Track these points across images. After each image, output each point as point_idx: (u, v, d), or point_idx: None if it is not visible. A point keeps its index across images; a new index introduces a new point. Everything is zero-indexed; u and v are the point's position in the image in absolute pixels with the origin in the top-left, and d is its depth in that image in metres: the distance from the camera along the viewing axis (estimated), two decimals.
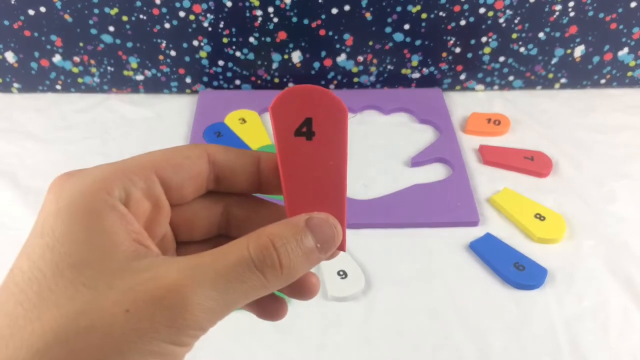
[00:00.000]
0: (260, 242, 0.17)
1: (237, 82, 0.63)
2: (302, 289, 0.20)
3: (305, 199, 0.19)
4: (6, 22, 0.57)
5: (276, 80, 0.63)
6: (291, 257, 0.17)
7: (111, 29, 0.58)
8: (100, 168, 0.18)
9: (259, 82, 0.63)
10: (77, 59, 0.61)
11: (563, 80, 0.64)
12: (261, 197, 0.21)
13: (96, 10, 0.56)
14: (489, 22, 0.58)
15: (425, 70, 0.63)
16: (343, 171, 0.19)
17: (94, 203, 0.16)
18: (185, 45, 0.59)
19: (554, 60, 0.61)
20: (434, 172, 0.55)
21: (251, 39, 0.59)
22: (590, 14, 0.57)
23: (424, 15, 0.57)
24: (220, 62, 0.61)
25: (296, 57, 0.61)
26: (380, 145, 0.58)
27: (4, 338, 0.14)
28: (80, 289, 0.15)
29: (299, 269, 0.17)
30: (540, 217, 0.49)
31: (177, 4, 0.56)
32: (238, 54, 0.60)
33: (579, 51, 0.61)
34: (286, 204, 0.20)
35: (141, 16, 0.57)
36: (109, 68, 0.61)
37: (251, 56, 0.61)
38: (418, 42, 0.60)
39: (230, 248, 0.17)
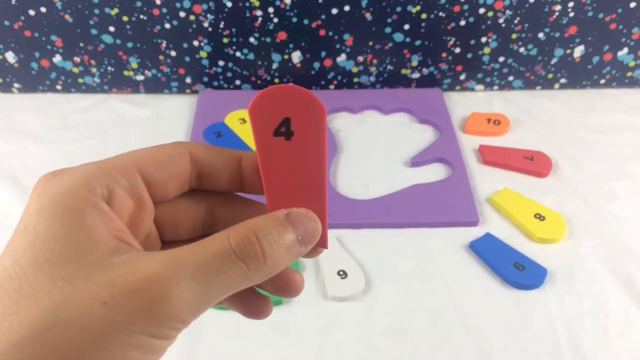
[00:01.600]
0: (241, 233, 0.17)
1: (237, 82, 0.63)
2: (287, 286, 0.20)
3: (286, 196, 0.20)
4: (7, 23, 0.57)
5: (276, 80, 0.63)
6: (274, 247, 0.17)
7: (111, 29, 0.58)
8: (84, 167, 0.18)
9: (259, 82, 0.63)
10: (77, 59, 0.61)
11: (563, 81, 0.64)
12: (246, 196, 0.21)
13: (96, 11, 0.56)
14: (489, 22, 0.58)
15: (425, 71, 0.63)
16: (322, 169, 0.19)
17: (75, 201, 0.16)
18: (185, 45, 0.59)
19: (554, 61, 0.62)
20: (434, 172, 0.55)
21: (251, 39, 0.59)
22: (590, 14, 0.57)
23: (423, 16, 0.57)
24: (221, 62, 0.61)
25: (296, 57, 0.61)
26: (380, 145, 0.58)
27: None
28: (59, 283, 0.15)
29: (281, 260, 0.17)
30: (540, 217, 0.49)
31: (178, 4, 0.56)
32: (238, 54, 0.60)
33: (578, 51, 0.61)
34: (267, 202, 0.20)
35: (141, 16, 0.57)
36: (109, 68, 0.61)
37: (251, 56, 0.61)
38: (418, 42, 0.60)
39: (211, 240, 0.17)
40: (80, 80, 0.63)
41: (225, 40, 0.59)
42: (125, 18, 0.57)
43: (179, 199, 0.20)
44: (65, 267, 0.15)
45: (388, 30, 0.59)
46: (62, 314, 0.15)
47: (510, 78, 0.63)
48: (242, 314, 0.21)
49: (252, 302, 0.20)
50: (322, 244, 0.21)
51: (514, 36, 0.59)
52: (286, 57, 0.61)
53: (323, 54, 0.61)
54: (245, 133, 0.58)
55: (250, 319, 0.21)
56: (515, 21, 0.58)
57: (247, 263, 0.16)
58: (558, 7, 0.57)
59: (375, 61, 0.62)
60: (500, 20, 0.58)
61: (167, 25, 0.58)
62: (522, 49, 0.60)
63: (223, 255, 0.16)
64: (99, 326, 0.14)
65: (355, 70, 0.62)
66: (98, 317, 0.15)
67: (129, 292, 0.15)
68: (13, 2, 0.55)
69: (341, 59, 0.61)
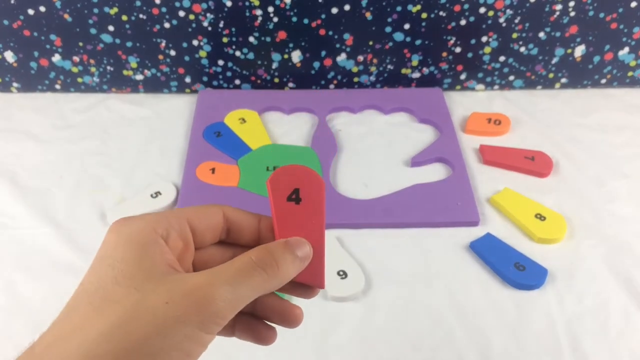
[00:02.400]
0: (260, 251, 0.23)
1: (237, 81, 0.63)
2: (290, 317, 0.26)
3: None
4: (6, 22, 0.57)
5: (276, 80, 0.63)
6: (283, 260, 0.23)
7: (111, 28, 0.58)
8: (150, 215, 0.24)
9: (258, 81, 0.63)
10: (76, 58, 0.60)
11: (563, 80, 0.64)
12: None
13: (96, 10, 0.56)
14: (489, 21, 0.58)
15: (425, 70, 0.62)
16: (322, 227, 0.25)
17: (143, 238, 0.22)
18: (185, 44, 0.59)
19: (555, 60, 0.61)
20: (434, 172, 0.54)
21: (251, 39, 0.59)
22: (591, 13, 0.57)
23: (424, 15, 0.57)
24: (220, 62, 0.61)
25: (296, 56, 0.61)
26: (380, 145, 0.58)
27: (79, 328, 0.20)
28: (133, 292, 0.21)
29: (289, 269, 0.24)
30: (540, 217, 0.49)
31: (177, 4, 0.56)
32: (238, 53, 0.60)
33: (579, 51, 0.61)
34: None
35: (141, 16, 0.57)
36: (108, 68, 0.61)
37: (251, 56, 0.61)
38: (418, 42, 0.60)
39: (239, 258, 0.23)
40: (80, 80, 0.63)
41: (224, 39, 0.59)
42: (124, 17, 0.57)
43: (212, 247, 0.26)
44: (137, 282, 0.21)
45: (388, 29, 0.58)
46: (136, 312, 0.20)
47: (511, 78, 0.63)
48: (254, 342, 0.27)
49: (262, 332, 0.26)
50: (319, 284, 0.26)
51: (514, 36, 0.59)
52: (286, 56, 0.61)
53: (323, 53, 0.60)
54: (245, 132, 0.58)
55: (260, 345, 0.27)
56: (516, 20, 0.58)
57: (266, 270, 0.23)
58: (559, 7, 0.57)
59: (375, 61, 0.61)
60: (501, 20, 0.58)
61: (167, 25, 0.58)
62: (522, 49, 0.60)
63: (248, 267, 0.22)
64: (162, 319, 0.20)
65: (355, 69, 0.62)
66: (162, 313, 0.20)
67: (184, 296, 0.21)
68: (12, 2, 0.55)
69: (341, 58, 0.61)
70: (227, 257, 0.25)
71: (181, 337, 0.20)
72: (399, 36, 0.59)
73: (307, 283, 0.26)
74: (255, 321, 0.26)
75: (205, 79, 0.63)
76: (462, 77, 0.63)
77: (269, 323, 0.26)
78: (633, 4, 0.56)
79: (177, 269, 0.23)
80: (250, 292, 0.22)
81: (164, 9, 0.56)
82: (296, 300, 0.43)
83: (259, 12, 0.57)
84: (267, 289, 0.23)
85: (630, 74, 0.63)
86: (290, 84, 0.64)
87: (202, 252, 0.25)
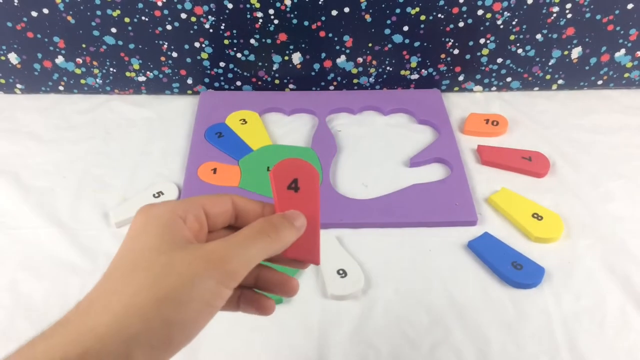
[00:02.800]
0: (264, 221, 0.28)
1: (238, 83, 0.64)
2: (286, 287, 0.30)
3: None
4: (9, 24, 0.58)
5: (277, 81, 0.64)
6: (282, 227, 0.28)
7: (113, 30, 0.58)
8: (172, 201, 0.28)
9: (259, 83, 0.64)
10: (79, 60, 0.61)
11: (560, 82, 0.64)
12: None
13: (98, 12, 0.57)
14: (487, 23, 0.58)
15: (424, 72, 0.63)
16: (317, 210, 0.30)
17: (167, 219, 0.26)
18: (186, 46, 0.60)
19: (552, 62, 0.62)
20: (433, 172, 0.55)
21: (252, 41, 0.59)
22: (588, 15, 0.58)
23: (422, 17, 0.58)
24: (222, 64, 0.62)
25: (296, 58, 0.61)
26: (379, 146, 0.58)
27: (117, 288, 0.24)
28: (160, 258, 0.25)
29: (287, 236, 0.28)
30: (537, 216, 0.49)
31: (179, 6, 0.56)
32: (239, 55, 0.61)
33: (576, 52, 0.61)
34: None
35: (143, 18, 0.57)
36: (111, 69, 0.62)
37: (252, 57, 0.61)
38: (417, 44, 0.60)
39: (246, 228, 0.27)
40: (83, 81, 0.63)
41: (226, 41, 0.59)
42: (127, 19, 0.57)
43: (222, 230, 0.29)
44: (162, 250, 0.25)
45: (387, 31, 0.59)
46: (164, 272, 0.24)
47: (509, 79, 0.64)
48: (256, 313, 0.30)
49: (263, 303, 0.30)
50: (315, 260, 0.30)
51: (512, 37, 0.60)
52: (286, 58, 0.61)
53: (323, 55, 0.61)
54: (246, 133, 0.58)
55: (260, 316, 0.30)
56: (514, 23, 0.58)
57: (269, 235, 0.27)
58: (556, 9, 0.57)
59: (374, 62, 0.62)
60: (499, 22, 0.58)
61: (169, 27, 0.58)
62: (520, 50, 0.61)
63: (255, 233, 0.27)
64: (187, 276, 0.24)
65: (354, 71, 0.63)
66: (186, 271, 0.24)
67: (203, 258, 0.25)
68: (16, 4, 0.56)
69: (341, 60, 0.62)
70: None
71: (203, 290, 0.24)
72: (397, 38, 0.60)
73: (305, 260, 0.30)
74: (257, 295, 0.30)
75: (206, 80, 0.63)
76: (460, 78, 0.64)
77: (268, 296, 0.30)
78: (629, 6, 0.57)
79: (194, 242, 0.27)
80: (258, 253, 0.26)
81: (166, 12, 0.57)
82: (296, 301, 0.44)
83: (259, 14, 0.57)
84: (271, 252, 0.27)
85: (626, 75, 0.63)
86: (291, 86, 0.64)
87: (213, 234, 0.29)
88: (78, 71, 0.62)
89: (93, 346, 0.22)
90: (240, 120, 0.60)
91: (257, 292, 0.30)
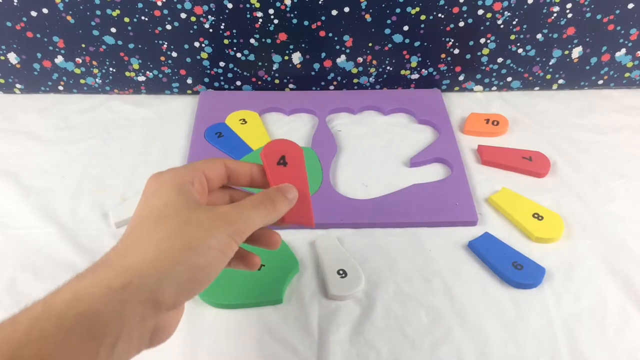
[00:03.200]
0: (262, 194, 0.32)
1: (238, 83, 0.64)
2: (271, 241, 0.35)
3: None
4: (9, 24, 0.57)
5: (276, 81, 0.63)
6: (277, 198, 0.33)
7: (113, 30, 0.58)
8: (179, 168, 0.32)
9: (259, 83, 0.64)
10: (79, 60, 0.61)
11: (561, 81, 0.64)
12: (251, 191, 0.35)
13: (98, 12, 0.57)
14: (488, 23, 0.58)
15: (424, 71, 0.63)
16: (305, 180, 0.35)
17: (178, 182, 0.31)
18: (186, 46, 0.60)
19: (552, 61, 0.62)
20: (433, 172, 0.55)
21: (252, 41, 0.59)
22: (588, 15, 0.58)
23: (423, 17, 0.58)
24: (221, 63, 0.62)
25: (296, 58, 0.61)
26: (379, 146, 0.58)
27: (144, 237, 0.28)
28: (181, 211, 0.29)
29: (282, 205, 0.33)
30: (538, 216, 0.49)
31: (179, 6, 0.56)
32: (239, 55, 0.61)
33: (576, 52, 0.61)
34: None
35: (143, 18, 0.57)
36: (110, 69, 0.62)
37: (252, 57, 0.61)
38: (417, 44, 0.60)
39: (250, 198, 0.32)
40: (82, 81, 0.63)
41: (226, 41, 0.59)
42: (126, 19, 0.57)
43: (217, 191, 0.35)
44: (181, 206, 0.30)
45: (387, 31, 0.59)
46: (186, 223, 0.29)
47: (509, 79, 0.64)
48: (244, 269, 0.35)
49: (250, 260, 0.35)
50: (310, 223, 0.35)
51: (512, 37, 0.60)
52: (286, 58, 0.61)
53: (323, 55, 0.61)
54: (245, 133, 0.58)
55: (248, 270, 0.35)
56: (514, 22, 0.58)
57: (267, 206, 0.32)
58: (556, 9, 0.57)
59: (374, 62, 0.62)
60: (499, 22, 0.58)
61: (169, 27, 0.58)
62: (520, 50, 0.61)
63: (256, 203, 0.31)
64: (206, 228, 0.29)
65: (355, 71, 0.63)
66: (205, 224, 0.29)
67: (219, 216, 0.30)
68: (15, 3, 0.56)
69: (341, 60, 0.61)
70: (226, 198, 0.35)
71: (219, 241, 0.29)
72: (398, 38, 0.60)
73: (302, 224, 0.34)
74: (245, 252, 0.35)
75: (206, 80, 0.63)
76: (461, 78, 0.64)
77: (254, 254, 0.35)
78: (630, 6, 0.57)
79: (203, 204, 0.32)
80: (259, 220, 0.31)
81: (165, 11, 0.57)
82: (296, 301, 0.44)
83: (259, 14, 0.57)
84: (269, 220, 0.32)
85: (627, 75, 0.63)
86: (291, 85, 0.64)
87: (211, 195, 0.34)
88: (77, 71, 0.62)
89: (133, 280, 0.26)
90: (240, 120, 0.60)
91: (244, 249, 0.34)
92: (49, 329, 0.24)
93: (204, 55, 0.61)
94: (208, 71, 0.62)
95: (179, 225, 0.29)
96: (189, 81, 0.63)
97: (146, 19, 0.57)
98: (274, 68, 0.62)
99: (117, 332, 0.25)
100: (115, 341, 0.25)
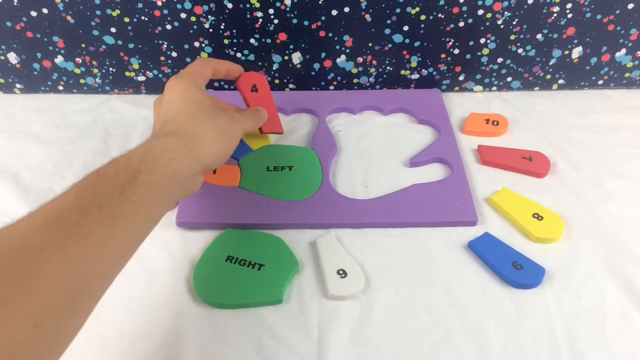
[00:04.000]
0: (251, 110, 0.51)
1: None
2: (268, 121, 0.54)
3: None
4: (8, 24, 0.58)
5: (277, 81, 0.63)
6: (258, 114, 0.51)
7: (113, 30, 0.58)
8: (189, 72, 0.46)
9: None
10: (79, 60, 0.61)
11: (561, 81, 0.64)
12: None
13: (98, 12, 0.57)
14: (488, 23, 0.58)
15: (424, 71, 0.63)
16: (271, 101, 0.54)
17: (197, 83, 0.45)
18: (186, 46, 0.60)
19: (552, 62, 0.62)
20: (433, 172, 0.55)
21: (252, 40, 0.59)
22: (588, 15, 0.58)
23: (422, 17, 0.58)
24: None
25: (296, 58, 0.61)
26: (379, 146, 0.58)
27: (197, 125, 0.42)
28: (210, 108, 0.43)
29: (260, 120, 0.52)
30: (538, 216, 0.49)
31: (179, 6, 0.56)
32: (239, 55, 0.61)
33: (576, 52, 0.61)
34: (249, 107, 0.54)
35: (143, 17, 0.57)
36: (110, 69, 0.62)
37: (252, 57, 0.61)
38: (417, 44, 0.60)
39: (245, 111, 0.50)
40: (82, 81, 0.63)
41: (226, 41, 0.59)
42: (126, 19, 0.57)
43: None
44: (207, 105, 0.43)
45: (387, 31, 0.59)
46: (217, 115, 0.43)
47: (509, 79, 0.64)
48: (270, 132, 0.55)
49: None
50: (278, 130, 0.56)
51: (512, 37, 0.60)
52: (286, 58, 0.61)
53: (323, 55, 0.61)
54: (245, 134, 0.58)
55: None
56: (514, 22, 0.58)
57: (254, 117, 0.50)
58: (556, 9, 0.57)
59: (374, 62, 0.62)
60: (499, 22, 0.58)
61: (168, 27, 0.58)
62: (520, 50, 0.61)
63: (249, 114, 0.49)
64: (231, 122, 0.45)
65: (354, 71, 0.63)
66: (229, 119, 0.45)
67: (234, 116, 0.46)
68: (15, 3, 0.56)
69: (341, 60, 0.62)
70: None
71: (237, 131, 0.45)
72: (398, 38, 0.60)
73: (274, 132, 0.55)
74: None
75: None
76: (461, 78, 0.64)
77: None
78: (630, 6, 0.57)
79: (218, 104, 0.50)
80: (250, 126, 0.49)
81: (165, 11, 0.57)
82: (296, 301, 0.44)
83: (259, 14, 0.57)
84: (254, 127, 0.50)
85: (627, 75, 0.63)
86: (291, 85, 0.64)
87: None
88: (77, 71, 0.62)
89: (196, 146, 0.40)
90: None
91: None
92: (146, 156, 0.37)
93: (204, 55, 0.61)
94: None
95: (212, 118, 0.42)
96: None
97: (146, 19, 0.57)
98: (274, 68, 0.62)
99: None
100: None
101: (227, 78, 0.51)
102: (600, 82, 0.64)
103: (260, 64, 0.62)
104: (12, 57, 0.61)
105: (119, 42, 0.59)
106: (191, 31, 0.58)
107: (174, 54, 0.61)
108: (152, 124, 0.45)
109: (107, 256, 0.31)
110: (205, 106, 0.42)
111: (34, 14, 0.57)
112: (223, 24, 0.58)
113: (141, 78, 0.63)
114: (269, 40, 0.59)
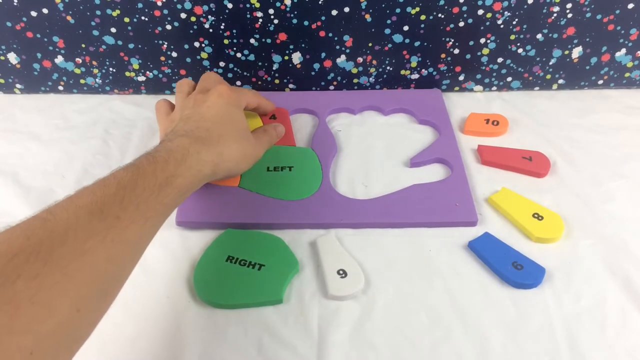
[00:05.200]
0: (268, 128, 0.54)
1: (238, 83, 0.64)
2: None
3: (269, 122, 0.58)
4: (9, 24, 0.58)
5: (276, 81, 0.63)
6: (274, 131, 0.54)
7: (113, 30, 0.58)
8: (237, 92, 0.50)
9: (259, 83, 0.64)
10: (79, 60, 0.61)
11: (561, 81, 0.64)
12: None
13: (98, 12, 0.57)
14: (488, 23, 0.58)
15: (424, 71, 0.63)
16: (288, 122, 0.59)
17: (239, 105, 0.50)
18: (186, 46, 0.60)
19: (552, 62, 0.62)
20: (433, 173, 0.55)
21: (252, 41, 0.59)
22: (588, 15, 0.58)
23: (422, 17, 0.58)
24: (221, 64, 0.62)
25: (296, 58, 0.61)
26: (379, 146, 0.58)
27: (230, 140, 0.46)
28: (244, 129, 0.49)
29: (277, 134, 0.55)
30: (538, 216, 0.49)
31: (179, 6, 0.56)
32: (239, 55, 0.61)
33: (576, 52, 0.61)
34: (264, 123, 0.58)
35: (143, 18, 0.57)
36: (110, 69, 0.62)
37: (252, 57, 0.61)
38: (417, 44, 0.60)
39: (265, 133, 0.53)
40: (82, 81, 0.63)
41: (226, 41, 0.59)
42: (126, 19, 0.57)
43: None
44: (245, 126, 0.49)
45: (387, 31, 0.59)
46: (246, 137, 0.49)
47: (509, 79, 0.64)
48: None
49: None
50: (292, 143, 0.57)
51: (512, 37, 0.60)
52: (286, 58, 0.61)
53: (323, 55, 0.61)
54: None
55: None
56: (514, 22, 0.58)
57: (271, 136, 0.54)
58: (556, 9, 0.57)
59: (374, 62, 0.62)
60: (499, 22, 0.58)
61: (168, 27, 0.58)
62: (520, 50, 0.61)
63: (267, 134, 0.53)
64: (255, 142, 0.50)
65: (354, 71, 0.63)
66: (254, 140, 0.50)
67: (259, 138, 0.52)
68: (15, 3, 0.56)
69: (341, 60, 0.62)
70: None
71: (259, 151, 0.51)
72: (398, 38, 0.60)
73: (288, 144, 0.56)
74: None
75: None
76: (461, 78, 0.64)
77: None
78: (630, 6, 0.57)
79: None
80: (268, 141, 0.53)
81: (165, 11, 0.57)
82: (296, 301, 0.44)
83: (259, 14, 0.57)
84: (272, 143, 0.54)
85: (627, 75, 0.63)
86: (291, 85, 0.64)
87: None
88: (77, 71, 0.62)
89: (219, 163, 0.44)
90: None
91: None
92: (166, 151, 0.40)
93: (204, 55, 0.61)
94: (208, 71, 0.62)
95: (241, 139, 0.47)
96: None
97: (146, 19, 0.57)
98: (274, 68, 0.62)
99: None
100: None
101: (256, 111, 0.56)
102: (600, 82, 0.64)
103: (260, 64, 0.62)
104: (12, 57, 0.61)
105: (119, 42, 0.59)
106: (191, 31, 0.58)
107: (174, 54, 0.61)
108: (175, 105, 0.51)
109: (135, 251, 0.34)
110: (241, 129, 0.47)
111: (34, 14, 0.57)
112: (223, 24, 0.58)
113: (141, 78, 0.63)
114: (269, 40, 0.59)
